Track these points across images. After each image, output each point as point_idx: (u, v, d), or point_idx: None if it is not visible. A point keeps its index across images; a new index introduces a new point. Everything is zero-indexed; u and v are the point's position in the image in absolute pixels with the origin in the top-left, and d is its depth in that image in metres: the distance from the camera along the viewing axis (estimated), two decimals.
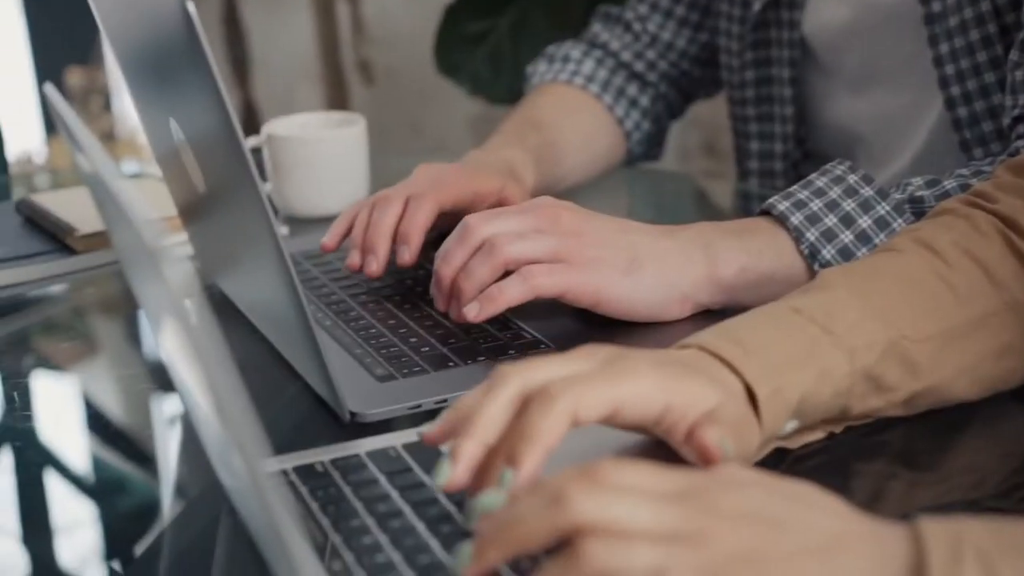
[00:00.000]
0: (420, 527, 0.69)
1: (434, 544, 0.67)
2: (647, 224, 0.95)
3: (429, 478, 0.74)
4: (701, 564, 0.55)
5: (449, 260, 0.93)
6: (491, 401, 0.68)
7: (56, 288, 1.17)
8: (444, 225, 1.03)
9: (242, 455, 0.52)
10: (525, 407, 0.67)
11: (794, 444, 0.78)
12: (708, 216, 1.00)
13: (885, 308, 0.77)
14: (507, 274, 0.92)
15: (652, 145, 1.40)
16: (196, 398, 0.66)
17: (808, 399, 0.75)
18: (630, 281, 0.92)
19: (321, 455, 0.78)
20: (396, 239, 1.02)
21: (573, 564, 0.55)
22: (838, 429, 0.79)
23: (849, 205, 0.94)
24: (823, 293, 0.78)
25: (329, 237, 1.06)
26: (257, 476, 0.51)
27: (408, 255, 1.00)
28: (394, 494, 0.73)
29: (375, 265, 1.01)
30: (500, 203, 1.08)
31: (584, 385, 0.68)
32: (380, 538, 0.68)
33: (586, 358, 0.71)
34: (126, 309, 1.15)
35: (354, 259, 1.03)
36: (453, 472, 0.67)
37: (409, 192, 1.04)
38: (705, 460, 0.69)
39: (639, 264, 0.92)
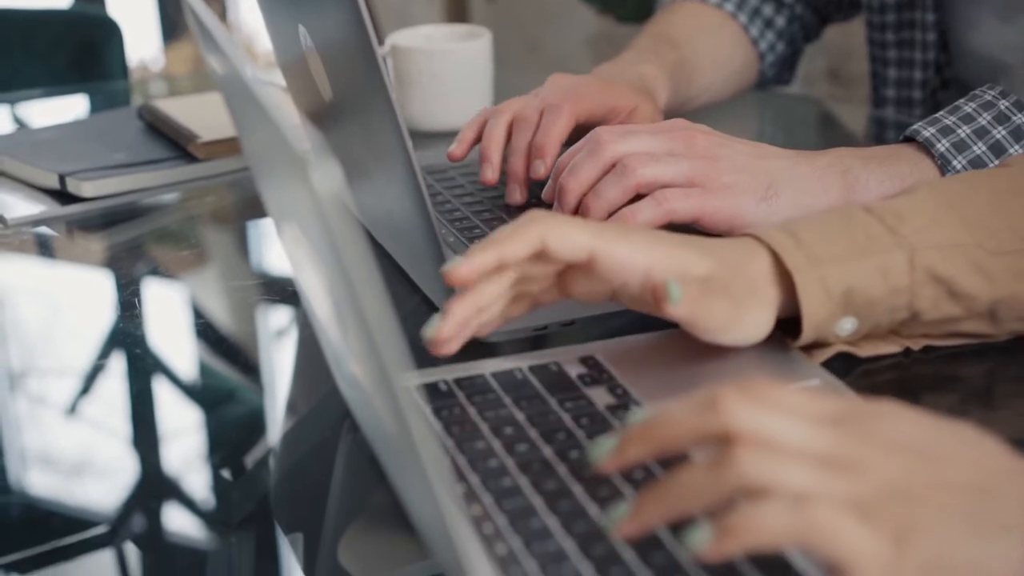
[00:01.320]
0: (547, 452, 0.67)
1: (561, 470, 0.65)
2: (783, 148, 0.92)
3: (556, 402, 0.72)
4: (854, 493, 0.52)
5: (578, 175, 0.90)
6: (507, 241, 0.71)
7: (175, 195, 1.16)
8: (574, 138, 1.00)
9: (379, 365, 0.50)
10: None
11: (863, 352, 0.77)
12: (838, 142, 0.96)
13: (967, 217, 0.76)
14: (637, 196, 0.89)
15: (785, 68, 1.35)
16: (320, 307, 0.65)
17: (861, 293, 0.74)
18: (766, 207, 0.88)
19: (445, 374, 0.76)
20: (534, 151, 0.98)
21: (722, 469, 0.53)
22: (916, 346, 0.77)
23: (999, 132, 0.90)
24: (905, 196, 0.78)
25: (457, 145, 1.04)
26: (393, 389, 0.49)
27: (544, 169, 0.98)
28: (520, 416, 0.71)
29: (519, 195, 1.00)
30: (631, 120, 1.05)
31: (568, 223, 0.72)
32: (506, 462, 0.67)
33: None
34: (243, 219, 1.14)
35: (488, 175, 1.00)
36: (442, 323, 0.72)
37: (543, 104, 1.01)
38: (655, 300, 0.72)
39: (775, 190, 0.89)
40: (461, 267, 0.71)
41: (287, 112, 0.53)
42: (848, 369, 0.77)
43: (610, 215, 0.89)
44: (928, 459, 0.54)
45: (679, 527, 0.58)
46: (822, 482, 0.52)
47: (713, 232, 0.90)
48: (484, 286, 0.72)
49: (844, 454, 0.53)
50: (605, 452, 0.57)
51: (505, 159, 1.00)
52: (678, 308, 0.72)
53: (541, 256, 0.72)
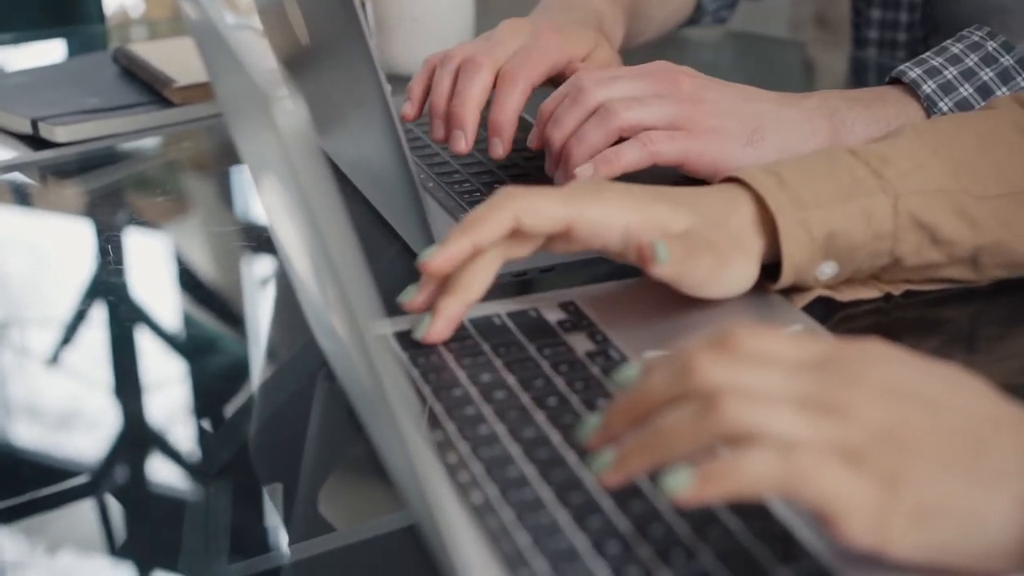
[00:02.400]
0: (525, 399, 0.66)
1: (539, 417, 0.64)
2: (768, 91, 0.90)
3: (534, 348, 0.71)
4: (841, 438, 0.51)
5: (561, 123, 0.88)
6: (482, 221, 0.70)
7: (151, 141, 1.14)
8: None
9: (349, 316, 0.49)
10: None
11: (843, 297, 0.76)
12: (822, 86, 0.95)
13: (953, 161, 0.75)
14: (620, 141, 0.88)
15: (724, 6, 1.32)
16: (296, 258, 0.63)
17: (843, 237, 0.73)
18: (751, 152, 0.87)
19: None
20: (490, 127, 0.93)
21: (706, 417, 0.52)
22: (896, 291, 0.76)
23: (986, 74, 0.89)
24: (890, 140, 0.77)
25: (410, 105, 0.97)
26: (364, 337, 0.48)
27: (502, 149, 0.92)
28: (498, 363, 0.70)
29: (463, 143, 0.92)
30: (587, 66, 1.01)
31: (540, 195, 0.70)
32: (483, 409, 0.66)
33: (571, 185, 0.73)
34: (222, 164, 1.12)
35: (438, 131, 0.94)
36: (416, 295, 0.72)
37: (495, 56, 0.95)
38: (641, 261, 0.71)
39: (761, 134, 0.87)
40: (435, 258, 0.70)
41: (256, 57, 0.52)
42: (828, 315, 0.76)
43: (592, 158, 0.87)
44: (918, 403, 0.53)
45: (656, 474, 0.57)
46: (808, 427, 0.51)
47: (697, 176, 0.88)
48: (471, 283, 0.71)
49: (830, 398, 0.52)
50: (591, 429, 0.56)
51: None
52: (664, 268, 0.72)
53: (516, 234, 0.71)
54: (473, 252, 0.70)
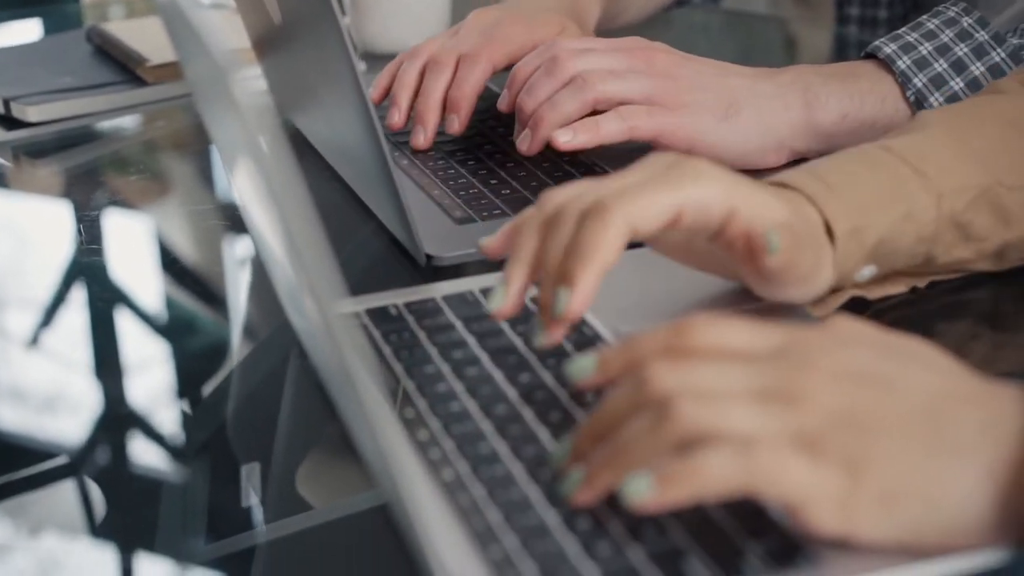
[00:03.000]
0: (497, 376, 0.66)
1: (511, 394, 0.64)
2: (743, 67, 0.90)
3: (507, 324, 0.71)
4: (797, 427, 0.51)
5: (535, 92, 0.88)
6: (535, 220, 0.64)
7: (125, 120, 1.14)
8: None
9: (314, 295, 0.48)
10: (579, 224, 0.62)
11: (873, 295, 0.74)
12: (803, 62, 0.95)
13: (982, 152, 0.73)
14: (592, 114, 0.88)
15: None
16: (268, 238, 0.63)
17: (888, 242, 0.70)
18: (726, 127, 0.87)
19: (395, 298, 0.75)
20: (448, 105, 0.96)
21: (662, 425, 0.52)
22: (922, 284, 0.75)
23: (961, 50, 0.89)
24: (918, 133, 0.73)
25: (374, 90, 1.00)
26: (329, 317, 0.48)
27: (458, 125, 0.95)
28: (470, 340, 0.69)
29: (422, 138, 0.96)
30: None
31: (639, 192, 0.62)
32: (455, 386, 0.65)
33: (645, 168, 0.64)
34: (197, 144, 1.11)
35: (395, 119, 0.97)
36: (505, 296, 0.63)
37: (460, 51, 0.97)
38: (749, 251, 0.64)
39: (736, 109, 0.87)
40: (573, 304, 0.60)
41: (221, 36, 0.51)
42: (858, 312, 0.73)
43: (563, 126, 0.87)
44: (873, 384, 0.52)
45: None
46: (763, 421, 0.51)
47: (671, 151, 0.88)
48: (531, 246, 0.63)
49: (783, 387, 0.52)
50: (562, 454, 0.57)
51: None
52: (775, 259, 0.64)
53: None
54: (597, 274, 0.61)
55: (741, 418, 0.51)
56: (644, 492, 0.51)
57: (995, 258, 0.74)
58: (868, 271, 0.72)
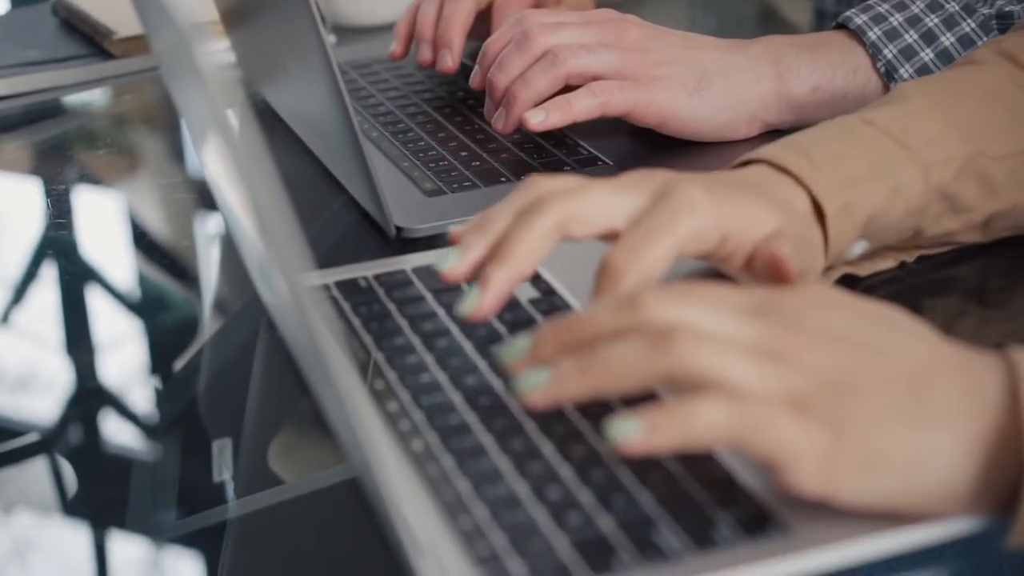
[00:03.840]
0: (467, 347, 0.66)
1: (481, 365, 0.64)
2: (714, 38, 0.90)
3: None
4: (788, 386, 0.51)
5: (506, 68, 0.88)
6: (503, 213, 0.64)
7: (93, 94, 1.13)
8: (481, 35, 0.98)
9: (282, 268, 0.48)
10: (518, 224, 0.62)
11: (863, 271, 0.74)
12: (782, 32, 0.94)
13: (964, 122, 0.72)
14: (565, 89, 0.87)
15: None
16: (237, 212, 0.63)
17: (879, 217, 0.70)
18: (697, 100, 0.87)
19: (365, 270, 0.74)
20: (435, 42, 0.98)
21: (659, 352, 0.51)
22: (910, 258, 0.75)
23: (931, 21, 0.89)
24: (899, 104, 0.73)
25: (397, 43, 1.02)
26: (296, 290, 0.47)
27: (451, 61, 0.97)
28: (440, 312, 0.69)
29: (450, 60, 0.97)
30: (561, 7, 1.01)
31: (641, 233, 0.61)
32: (425, 357, 0.65)
33: (635, 189, 0.64)
34: (165, 117, 1.11)
35: (425, 54, 0.99)
36: (456, 265, 0.63)
37: None
38: (778, 277, 0.62)
39: (707, 82, 0.87)
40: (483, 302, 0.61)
41: (186, 9, 0.51)
42: (847, 287, 0.73)
43: (536, 104, 0.87)
44: (860, 349, 0.53)
45: (599, 419, 0.57)
46: (758, 377, 0.51)
47: (643, 125, 0.88)
48: (526, 254, 0.62)
49: (774, 345, 0.52)
50: (517, 352, 0.55)
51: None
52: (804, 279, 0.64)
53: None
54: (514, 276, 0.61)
55: (740, 370, 0.51)
56: (631, 433, 0.50)
57: (982, 229, 0.74)
58: (860, 247, 0.71)
